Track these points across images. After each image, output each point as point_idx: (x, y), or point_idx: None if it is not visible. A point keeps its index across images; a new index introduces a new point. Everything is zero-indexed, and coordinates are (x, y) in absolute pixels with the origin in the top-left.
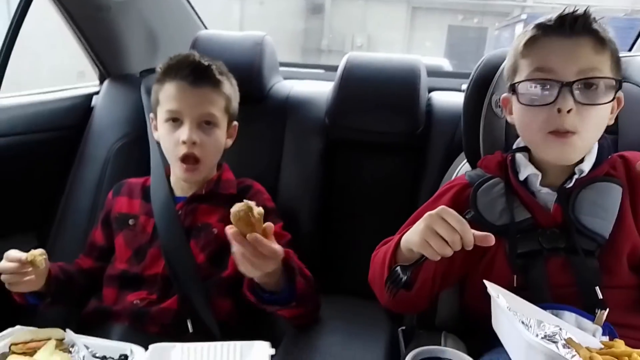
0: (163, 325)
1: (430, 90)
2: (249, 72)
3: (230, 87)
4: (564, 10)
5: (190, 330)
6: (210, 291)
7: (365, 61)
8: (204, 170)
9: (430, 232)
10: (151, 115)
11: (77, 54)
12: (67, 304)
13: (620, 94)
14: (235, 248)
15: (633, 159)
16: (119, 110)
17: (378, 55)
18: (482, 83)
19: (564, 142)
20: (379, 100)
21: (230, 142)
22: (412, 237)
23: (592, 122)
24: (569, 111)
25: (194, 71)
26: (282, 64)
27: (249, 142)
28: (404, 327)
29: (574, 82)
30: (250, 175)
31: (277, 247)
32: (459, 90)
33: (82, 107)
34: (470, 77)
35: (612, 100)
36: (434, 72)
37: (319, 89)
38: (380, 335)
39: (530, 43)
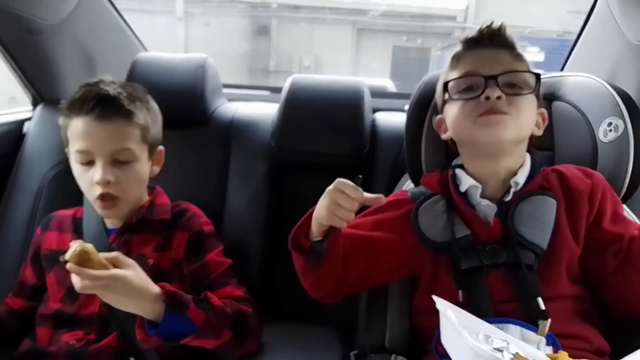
0: None
1: (375, 110)
2: (191, 95)
3: (145, 115)
4: (482, 25)
5: None
6: None
7: (310, 83)
8: (125, 206)
9: (335, 205)
10: (67, 150)
11: (8, 78)
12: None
13: (543, 110)
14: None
15: (568, 173)
16: (53, 137)
17: (322, 77)
18: (423, 103)
19: (496, 120)
20: (323, 121)
21: (157, 169)
22: (320, 212)
23: (522, 108)
24: (498, 98)
25: (100, 103)
26: (226, 86)
27: (192, 167)
28: (356, 352)
29: (498, 75)
30: (196, 201)
31: (104, 272)
32: (403, 111)
33: (14, 134)
34: (412, 98)
35: (535, 91)
36: (377, 93)
37: (264, 111)
38: None
39: (455, 58)
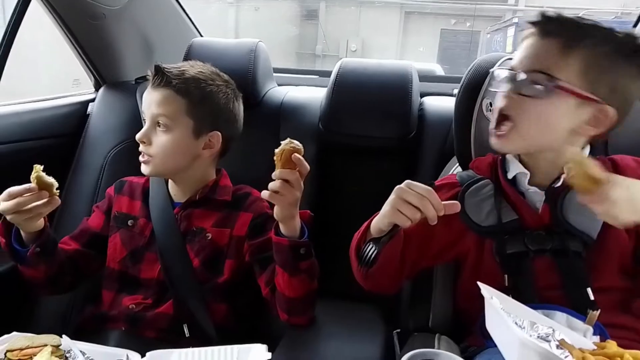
0: (160, 330)
1: (423, 95)
2: (244, 78)
3: (201, 94)
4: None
5: (187, 334)
6: (205, 296)
7: (358, 67)
8: (159, 169)
9: (401, 201)
10: None
11: (73, 61)
12: (47, 267)
13: (607, 108)
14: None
15: (621, 163)
16: (115, 117)
17: (370, 61)
18: (473, 88)
19: (498, 134)
20: (371, 105)
21: (207, 152)
22: (384, 209)
23: (527, 115)
24: (508, 96)
25: (158, 75)
26: (277, 70)
27: (244, 148)
28: (399, 330)
29: (518, 72)
30: (246, 181)
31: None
32: (451, 95)
33: (78, 115)
34: (461, 82)
35: (549, 93)
36: (426, 77)
37: (312, 95)
38: (375, 338)
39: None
